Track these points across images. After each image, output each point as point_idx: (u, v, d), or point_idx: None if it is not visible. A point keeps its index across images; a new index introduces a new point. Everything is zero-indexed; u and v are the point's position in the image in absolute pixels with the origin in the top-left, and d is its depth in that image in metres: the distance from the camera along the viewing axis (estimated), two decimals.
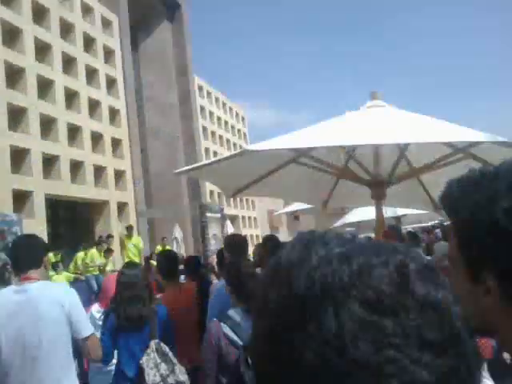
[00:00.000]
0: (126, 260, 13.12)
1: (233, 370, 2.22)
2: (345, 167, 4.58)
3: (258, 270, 4.02)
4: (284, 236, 41.91)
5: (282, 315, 0.45)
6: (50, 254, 13.38)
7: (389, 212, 7.52)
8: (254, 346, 0.50)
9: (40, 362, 2.25)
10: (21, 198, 18.05)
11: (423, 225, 12.71)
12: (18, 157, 18.58)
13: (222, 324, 2.42)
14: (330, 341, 0.41)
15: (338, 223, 12.13)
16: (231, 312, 2.50)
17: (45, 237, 18.14)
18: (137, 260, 13.35)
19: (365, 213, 8.39)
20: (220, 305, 3.01)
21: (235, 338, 2.35)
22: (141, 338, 2.98)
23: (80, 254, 13.29)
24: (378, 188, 4.24)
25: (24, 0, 20.54)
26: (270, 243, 4.40)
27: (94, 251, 12.87)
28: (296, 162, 4.49)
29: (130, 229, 14.53)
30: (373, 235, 12.32)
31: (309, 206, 7.47)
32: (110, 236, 14.67)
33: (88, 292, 11.53)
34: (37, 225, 17.74)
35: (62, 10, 22.96)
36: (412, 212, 8.68)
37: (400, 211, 8.73)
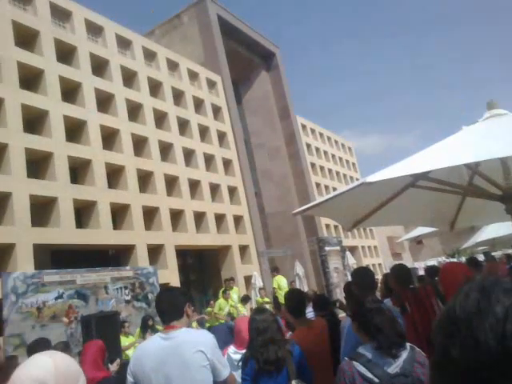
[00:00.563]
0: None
1: None
2: (470, 184, 4.13)
3: (387, 300, 3.80)
4: (408, 262, 39.19)
5: (470, 371, 0.41)
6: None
7: None
8: None
9: None
10: (154, 252, 19.31)
11: None
12: (150, 214, 20.04)
13: (354, 362, 2.27)
14: None
15: (469, 243, 11.25)
16: (361, 349, 2.34)
17: (178, 284, 19.04)
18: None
19: (498, 229, 7.63)
20: (353, 341, 2.84)
21: (369, 375, 2.20)
22: (280, 379, 2.96)
23: (208, 310, 13.33)
24: None
25: (142, 78, 22.76)
26: (399, 272, 4.11)
27: (221, 301, 12.67)
28: (414, 186, 4.13)
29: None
30: (511, 251, 10.81)
31: (432, 229, 6.80)
32: (231, 279, 14.76)
33: (222, 335, 11.38)
34: (170, 274, 18.75)
35: (172, 81, 24.97)
36: None
37: None
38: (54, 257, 16.13)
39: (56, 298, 11.29)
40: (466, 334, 0.42)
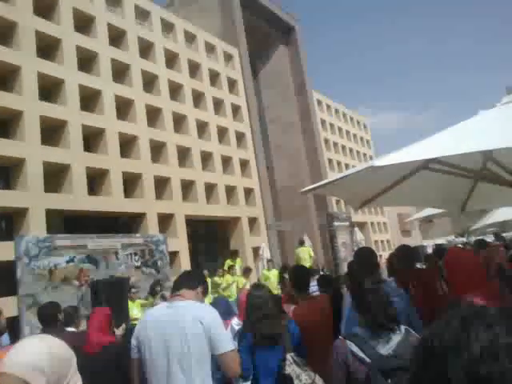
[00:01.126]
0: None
1: None
2: (483, 169, 3.92)
3: (391, 279, 3.75)
4: (417, 239, 38.41)
5: None
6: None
7: None
8: None
9: (181, 369, 2.36)
10: (165, 220, 19.07)
11: None
12: (161, 184, 19.71)
13: (347, 341, 2.21)
14: None
15: (479, 224, 11.01)
16: (356, 329, 2.28)
17: (187, 252, 18.86)
18: (308, 264, 13.03)
19: (508, 211, 7.44)
20: (353, 320, 2.73)
21: (361, 354, 2.13)
22: (276, 352, 2.96)
23: (215, 279, 13.17)
24: None
25: (157, 50, 22.06)
26: (403, 253, 3.95)
27: (228, 277, 12.40)
28: (426, 168, 3.92)
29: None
30: None
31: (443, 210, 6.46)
32: (233, 253, 14.48)
33: (223, 306, 11.11)
34: (180, 243, 18.53)
35: (189, 53, 24.18)
36: None
37: None
38: (66, 222, 16.02)
39: (67, 262, 11.21)
40: (439, 370, 0.36)
